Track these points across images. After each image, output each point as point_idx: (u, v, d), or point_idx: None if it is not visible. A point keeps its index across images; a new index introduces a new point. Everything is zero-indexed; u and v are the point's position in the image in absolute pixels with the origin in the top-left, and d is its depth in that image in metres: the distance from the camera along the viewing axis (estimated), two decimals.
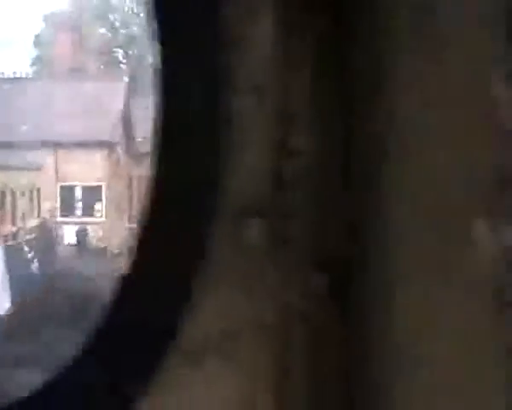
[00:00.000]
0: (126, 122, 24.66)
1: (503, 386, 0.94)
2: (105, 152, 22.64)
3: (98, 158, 22.64)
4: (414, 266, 1.12)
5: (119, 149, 24.04)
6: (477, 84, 0.98)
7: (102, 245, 22.32)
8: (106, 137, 22.48)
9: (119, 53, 32.33)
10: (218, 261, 1.23)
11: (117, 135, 22.86)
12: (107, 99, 23.40)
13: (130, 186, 27.06)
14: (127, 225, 25.85)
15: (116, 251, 23.38)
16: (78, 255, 22.53)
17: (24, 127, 22.63)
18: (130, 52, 32.12)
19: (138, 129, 26.65)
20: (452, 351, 1.03)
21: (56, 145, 22.59)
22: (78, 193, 22.76)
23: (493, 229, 0.91)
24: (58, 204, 22.84)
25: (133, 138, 25.67)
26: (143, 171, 29.36)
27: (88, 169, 22.69)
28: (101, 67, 28.71)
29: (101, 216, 22.74)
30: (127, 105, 24.18)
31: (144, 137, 28.97)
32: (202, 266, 1.18)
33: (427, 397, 1.08)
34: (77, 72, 24.48)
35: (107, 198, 22.76)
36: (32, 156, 22.55)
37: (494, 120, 0.93)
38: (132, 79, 24.43)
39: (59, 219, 22.81)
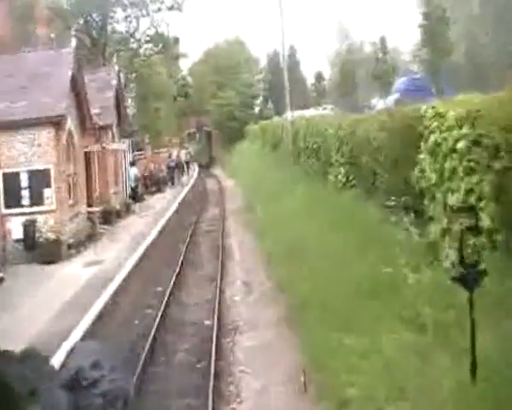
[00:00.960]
0: (77, 94, 21.85)
1: None
2: (52, 130, 19.74)
3: (44, 138, 19.77)
4: None
5: (69, 126, 21.20)
6: None
7: (54, 236, 19.58)
8: (52, 113, 19.61)
9: None
10: None
11: (65, 109, 19.93)
12: (51, 69, 20.57)
13: (86, 166, 24.25)
14: (84, 209, 23.04)
15: (70, 241, 20.63)
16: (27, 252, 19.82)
17: None
18: None
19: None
20: None
21: None
22: (24, 180, 19.88)
23: None
24: (1, 195, 20.00)
25: (87, 112, 22.78)
26: (98, 148, 26.88)
27: (33, 151, 19.83)
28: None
29: (52, 204, 19.88)
30: (77, 74, 21.33)
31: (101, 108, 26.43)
32: None
33: None
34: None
35: (56, 182, 19.88)
36: None
37: None
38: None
39: (4, 211, 20.03)
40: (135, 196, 33.58)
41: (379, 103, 39.95)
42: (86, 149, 24.28)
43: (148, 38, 42.01)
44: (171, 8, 40.91)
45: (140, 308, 14.49)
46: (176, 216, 29.54)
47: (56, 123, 19.66)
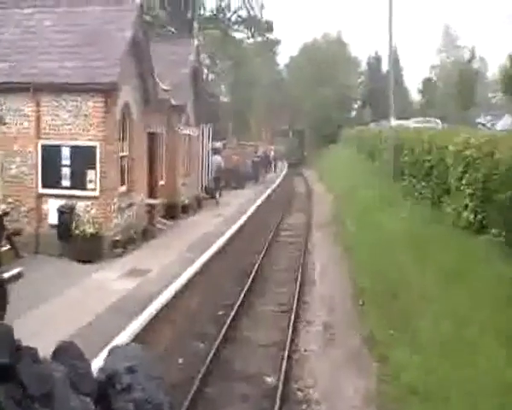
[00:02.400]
0: (139, 61, 17.84)
1: None
2: (100, 100, 15.81)
3: (90, 108, 15.87)
4: None
5: (126, 98, 17.23)
6: None
7: (93, 230, 15.65)
8: (102, 79, 15.69)
9: None
10: None
11: (119, 76, 15.96)
12: (109, 28, 16.66)
13: (149, 150, 20.33)
14: (141, 199, 19.11)
15: (116, 237, 16.70)
16: (62, 243, 15.99)
17: None
18: None
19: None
20: None
21: (37, 90, 16.01)
22: (66, 156, 16.08)
23: None
24: (39, 170, 16.32)
25: (152, 85, 18.75)
26: (167, 130, 22.88)
27: (78, 123, 15.99)
28: None
29: (95, 189, 15.99)
30: (140, 38, 17.32)
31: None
32: None
33: None
34: None
35: (102, 164, 15.96)
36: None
37: None
38: None
39: (41, 190, 16.34)
40: (212, 189, 29.43)
41: (501, 122, 34.18)
42: (151, 130, 20.31)
43: (239, 20, 37.86)
44: None
45: (180, 353, 10.23)
46: (253, 219, 25.29)
47: (107, 91, 15.67)
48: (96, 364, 1.93)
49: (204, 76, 58.80)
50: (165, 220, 21.82)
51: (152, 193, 20.88)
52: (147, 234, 18.95)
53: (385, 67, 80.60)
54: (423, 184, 19.03)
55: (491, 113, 56.01)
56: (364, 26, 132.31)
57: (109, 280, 13.68)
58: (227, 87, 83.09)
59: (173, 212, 22.74)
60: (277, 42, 38.58)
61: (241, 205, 28.05)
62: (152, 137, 20.73)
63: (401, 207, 19.78)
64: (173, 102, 22.21)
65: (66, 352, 1.78)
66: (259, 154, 41.41)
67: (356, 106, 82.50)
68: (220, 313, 12.92)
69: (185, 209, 23.65)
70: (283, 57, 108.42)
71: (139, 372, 1.85)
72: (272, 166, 49.30)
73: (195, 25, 28.29)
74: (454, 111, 49.70)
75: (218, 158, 32.13)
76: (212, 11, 37.50)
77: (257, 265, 17.05)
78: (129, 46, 16.69)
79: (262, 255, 18.44)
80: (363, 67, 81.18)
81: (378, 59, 78.70)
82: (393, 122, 26.10)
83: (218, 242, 19.39)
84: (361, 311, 12.73)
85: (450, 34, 74.68)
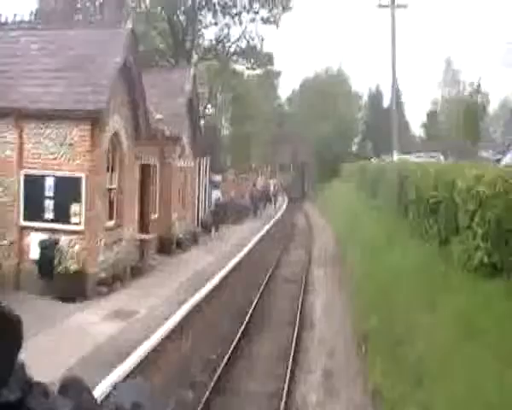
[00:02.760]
0: (130, 88, 16.90)
1: None
2: (86, 128, 14.83)
3: (76, 136, 14.88)
4: None
5: (116, 127, 16.25)
6: None
7: (77, 266, 14.54)
8: (88, 106, 14.74)
9: None
10: None
11: (107, 103, 15.03)
12: (99, 52, 15.75)
13: (141, 182, 19.35)
14: (131, 234, 18.04)
15: (102, 274, 15.59)
16: (44, 280, 14.87)
17: None
18: None
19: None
20: None
21: (20, 116, 15.07)
22: (50, 187, 15.06)
23: None
24: (21, 202, 15.28)
25: (143, 114, 17.79)
26: (161, 162, 21.81)
27: (63, 152, 15.00)
28: None
29: (80, 223, 14.92)
30: (131, 63, 16.41)
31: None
32: None
33: None
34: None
35: (88, 196, 14.93)
36: None
37: None
38: None
39: (23, 222, 15.28)
40: (210, 224, 28.39)
41: (509, 156, 33.17)
42: (143, 161, 19.33)
43: (238, 50, 37.09)
44: (266, 21, 35.88)
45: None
46: (251, 256, 24.18)
47: (93, 119, 14.69)
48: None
49: (203, 107, 58.21)
50: (157, 256, 20.71)
51: (144, 227, 19.81)
52: (137, 271, 17.83)
53: (386, 101, 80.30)
54: (430, 221, 17.96)
55: (493, 147, 55.22)
56: (365, 60, 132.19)
57: (90, 323, 12.51)
58: (228, 120, 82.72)
59: (167, 247, 21.64)
60: (278, 73, 37.76)
61: (238, 240, 26.94)
62: (144, 168, 19.74)
63: (406, 246, 18.69)
64: (167, 132, 21.27)
65: (73, 386, 1.68)
66: (259, 188, 40.35)
67: (357, 140, 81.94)
68: (212, 357, 11.85)
69: (180, 245, 22.53)
70: (285, 91, 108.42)
71: (145, 408, 1.75)
72: (272, 200, 48.29)
73: (194, 55, 27.64)
74: (456, 145, 48.84)
75: (217, 191, 31.18)
76: (211, 41, 36.84)
77: (253, 305, 15.97)
78: (119, 72, 15.77)
79: (259, 295, 17.35)
80: (364, 100, 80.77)
81: (379, 93, 78.25)
82: (396, 156, 25.11)
83: (213, 280, 18.27)
84: (364, 359, 11.63)
85: (452, 68, 74.29)
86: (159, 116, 20.07)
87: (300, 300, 17.22)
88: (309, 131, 70.80)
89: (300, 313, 15.66)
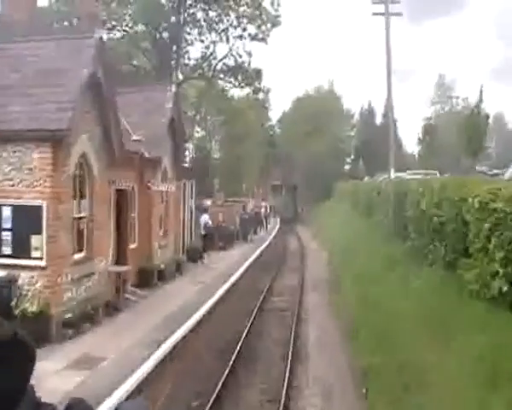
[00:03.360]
0: (100, 104, 15.23)
1: None
2: (47, 151, 13.15)
3: (36, 160, 13.20)
4: None
5: (84, 149, 14.56)
6: None
7: (38, 307, 12.77)
8: (54, 125, 13.08)
9: None
10: None
11: (72, 122, 13.38)
12: (66, 65, 14.11)
13: (117, 209, 17.68)
14: (104, 267, 16.30)
15: (68, 315, 13.83)
16: None
17: None
18: None
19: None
20: None
21: None
22: (7, 217, 13.33)
23: None
24: None
25: (116, 134, 16.13)
26: (132, 185, 20.04)
27: (21, 178, 13.29)
28: None
29: (41, 258, 13.18)
30: (100, 77, 14.76)
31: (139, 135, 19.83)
32: None
33: None
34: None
35: (50, 227, 13.21)
36: None
37: None
38: None
39: None
40: (197, 251, 26.71)
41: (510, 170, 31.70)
42: (119, 186, 17.64)
43: (225, 68, 35.52)
44: (254, 38, 34.39)
45: None
46: (239, 285, 22.50)
47: (56, 140, 13.01)
48: None
49: (191, 129, 56.51)
50: (136, 290, 18.93)
51: (120, 259, 18.06)
52: (111, 308, 16.04)
53: (379, 118, 79.07)
54: (434, 243, 16.29)
55: (487, 162, 53.80)
56: (357, 77, 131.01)
57: (47, 374, 10.68)
58: (218, 142, 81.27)
59: (147, 279, 19.86)
60: (267, 90, 36.25)
61: (227, 268, 25.18)
62: (121, 194, 18.05)
63: (407, 270, 17.04)
64: (147, 154, 19.63)
65: (78, 407, 1.78)
66: (248, 211, 38.63)
67: (349, 159, 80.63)
68: (194, 404, 10.22)
69: (162, 275, 20.75)
70: (276, 112, 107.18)
71: None
72: (264, 223, 46.57)
73: (179, 74, 26.12)
74: (451, 161, 47.51)
75: (205, 216, 29.53)
76: (196, 60, 35.28)
77: (241, 341, 14.28)
78: (87, 86, 14.12)
79: (247, 329, 15.65)
80: (356, 118, 79.55)
81: (371, 110, 77.02)
82: (393, 174, 23.54)
83: (196, 315, 16.55)
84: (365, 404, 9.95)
85: (444, 84, 73.25)
86: (136, 137, 18.44)
87: (293, 332, 15.55)
88: (301, 151, 69.51)
89: (293, 347, 14.04)
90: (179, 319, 15.75)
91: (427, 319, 12.00)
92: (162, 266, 20.76)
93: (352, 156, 79.86)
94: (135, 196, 19.67)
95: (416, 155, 70.47)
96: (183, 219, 26.25)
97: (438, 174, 39.39)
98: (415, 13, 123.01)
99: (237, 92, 44.74)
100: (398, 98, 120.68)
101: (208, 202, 43.67)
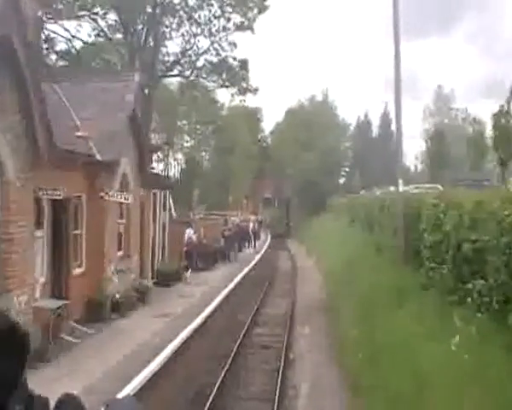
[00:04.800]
0: (19, 85, 11.13)
1: None
2: None
3: None
4: None
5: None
6: None
7: None
8: None
9: None
10: None
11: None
12: None
13: (54, 225, 13.54)
14: (25, 300, 12.19)
15: None
16: None
17: None
18: None
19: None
20: None
21: None
22: None
23: None
24: None
25: (43, 127, 12.02)
26: (76, 195, 15.74)
27: None
28: None
29: None
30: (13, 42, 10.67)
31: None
32: None
33: None
34: None
35: None
36: None
37: None
38: None
39: None
40: (171, 272, 22.65)
41: None
42: (57, 196, 13.49)
43: (207, 64, 31.33)
44: (240, 28, 30.24)
45: None
46: (217, 317, 18.39)
47: None
48: None
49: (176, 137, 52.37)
50: (81, 327, 14.74)
51: (58, 289, 13.93)
52: (36, 357, 11.86)
53: (375, 130, 75.44)
54: (464, 274, 12.19)
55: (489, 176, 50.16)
56: (352, 86, 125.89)
57: None
58: (207, 152, 77.32)
59: (98, 312, 15.70)
60: (255, 90, 32.17)
61: (203, 295, 21.00)
62: (59, 205, 13.93)
63: (422, 310, 12.99)
64: (99, 156, 15.54)
65: (70, 402, 1.83)
66: (230, 226, 34.24)
67: (343, 173, 76.88)
68: None
69: (118, 307, 16.54)
70: (269, 124, 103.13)
71: None
72: (252, 239, 42.37)
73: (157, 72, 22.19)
74: (457, 174, 43.76)
75: (189, 231, 25.54)
76: (176, 55, 30.95)
77: (214, 392, 10.40)
78: None
79: (223, 374, 11.72)
80: (352, 129, 75.79)
81: (368, 122, 73.40)
82: (402, 187, 19.34)
83: (158, 359, 12.56)
84: None
85: (443, 96, 69.56)
86: (81, 133, 14.37)
87: (279, 381, 11.65)
88: (294, 163, 65.82)
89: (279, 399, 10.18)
90: (134, 367, 11.76)
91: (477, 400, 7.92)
92: (117, 295, 16.54)
93: (347, 169, 76.19)
94: (82, 208, 15.55)
95: (418, 168, 66.87)
96: (154, 236, 22.15)
97: (440, 188, 35.60)
98: (410, 30, 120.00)
99: (227, 98, 40.63)
100: (393, 112, 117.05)
101: (191, 215, 39.70)
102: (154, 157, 72.98)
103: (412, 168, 77.77)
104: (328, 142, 67.11)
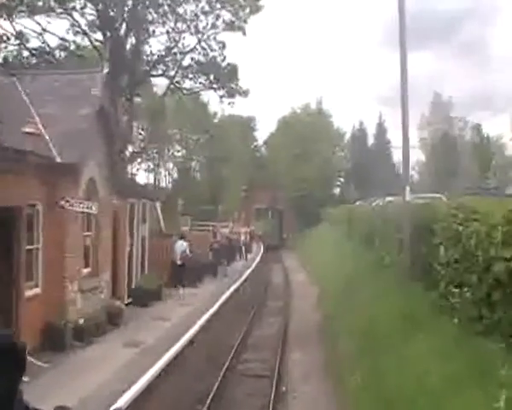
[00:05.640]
0: None
1: None
2: None
3: None
4: None
5: None
6: None
7: None
8: None
9: None
10: None
11: None
12: None
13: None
14: None
15: None
16: None
17: None
18: None
19: None
20: None
21: None
22: None
23: None
24: None
25: None
26: (27, 203, 13.32)
27: None
28: None
29: None
30: None
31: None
32: None
33: None
34: None
35: None
36: None
37: None
38: None
39: None
40: (154, 290, 20.33)
41: None
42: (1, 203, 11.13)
43: (193, 64, 28.89)
44: (230, 27, 27.88)
45: None
46: (200, 341, 16.03)
47: None
48: None
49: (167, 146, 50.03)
50: (35, 361, 12.30)
51: (5, 314, 11.54)
52: None
53: (371, 139, 73.21)
54: (492, 301, 9.87)
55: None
56: (347, 94, 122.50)
57: None
58: (199, 162, 74.87)
59: (57, 341, 13.29)
60: (245, 92, 29.70)
61: (184, 318, 18.57)
62: (5, 214, 11.58)
63: (444, 341, 10.65)
64: (58, 158, 13.20)
65: None
66: (219, 238, 31.63)
67: (338, 183, 74.62)
68: None
69: (81, 334, 14.11)
70: (262, 134, 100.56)
71: None
72: (243, 252, 40.00)
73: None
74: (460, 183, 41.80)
75: (182, 244, 23.26)
76: (159, 54, 28.53)
77: None
78: None
79: None
80: (347, 138, 73.53)
81: (363, 131, 71.20)
82: (409, 196, 16.90)
83: (121, 400, 10.23)
84: None
85: (441, 104, 67.45)
86: (30, 129, 12.05)
87: None
88: (288, 174, 63.62)
89: None
90: None
91: None
92: (81, 321, 14.09)
93: (342, 179, 73.97)
94: (39, 219, 13.19)
95: (414, 178, 64.93)
96: (131, 251, 19.79)
97: (444, 198, 33.38)
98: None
99: (219, 108, 38.16)
100: (389, 124, 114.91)
101: (183, 228, 37.41)
102: (144, 166, 70.84)
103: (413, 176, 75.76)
104: (323, 151, 64.92)
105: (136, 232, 20.02)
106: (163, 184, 71.65)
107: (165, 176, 72.44)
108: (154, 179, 69.84)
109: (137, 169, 68.96)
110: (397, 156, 70.89)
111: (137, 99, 33.26)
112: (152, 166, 70.04)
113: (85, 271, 15.04)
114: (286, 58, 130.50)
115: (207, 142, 70.82)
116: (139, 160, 56.63)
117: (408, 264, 16.02)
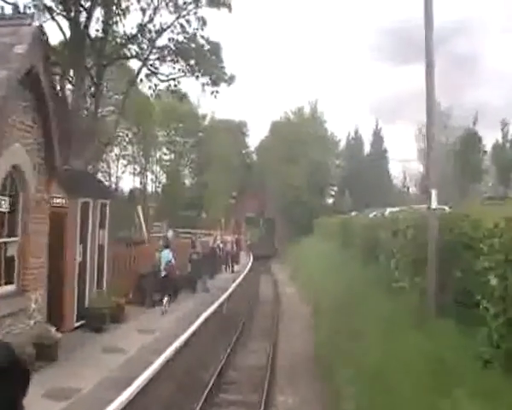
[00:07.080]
0: None
1: None
2: None
3: None
4: None
5: None
6: None
7: None
8: None
9: None
10: None
11: None
12: None
13: None
14: None
15: None
16: None
17: None
18: None
19: None
20: None
21: None
22: None
23: None
24: None
25: None
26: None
27: None
28: None
29: None
30: None
31: None
32: None
33: None
34: None
35: None
36: None
37: None
38: None
39: None
40: (109, 311, 16.31)
41: None
42: None
43: (170, 44, 24.72)
44: (213, 2, 23.96)
45: None
46: (161, 383, 12.01)
47: None
48: None
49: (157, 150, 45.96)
50: None
51: None
52: None
53: (367, 148, 69.70)
54: None
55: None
56: (342, 99, 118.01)
57: None
58: (187, 166, 71.08)
59: None
60: (230, 78, 25.75)
61: (144, 348, 14.48)
62: None
63: (497, 407, 6.84)
64: None
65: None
66: (198, 249, 27.46)
67: (332, 192, 70.97)
68: None
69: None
70: (254, 140, 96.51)
71: None
72: (229, 263, 36.09)
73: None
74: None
75: (169, 253, 19.37)
76: (131, 30, 24.30)
77: None
78: None
79: None
80: (342, 146, 69.85)
81: (359, 138, 67.55)
82: (435, 204, 12.94)
83: None
84: None
85: (440, 112, 63.79)
86: None
87: None
88: (279, 181, 59.99)
89: None
90: None
91: None
92: None
93: (336, 188, 70.32)
94: None
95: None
96: (84, 263, 15.73)
97: (446, 208, 29.72)
98: (396, 57, 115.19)
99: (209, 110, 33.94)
100: (388, 126, 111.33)
101: (170, 234, 33.51)
102: (130, 169, 66.90)
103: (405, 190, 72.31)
104: (316, 159, 61.20)
105: (91, 239, 15.94)
106: (149, 188, 67.87)
107: (152, 180, 68.60)
108: (141, 183, 66.02)
109: (123, 172, 65.31)
110: (393, 166, 67.17)
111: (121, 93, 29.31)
112: (138, 169, 66.22)
113: (3, 288, 10.96)
114: (280, 66, 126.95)
115: (195, 145, 67.19)
116: (113, 152, 52.38)
117: (433, 291, 12.10)
